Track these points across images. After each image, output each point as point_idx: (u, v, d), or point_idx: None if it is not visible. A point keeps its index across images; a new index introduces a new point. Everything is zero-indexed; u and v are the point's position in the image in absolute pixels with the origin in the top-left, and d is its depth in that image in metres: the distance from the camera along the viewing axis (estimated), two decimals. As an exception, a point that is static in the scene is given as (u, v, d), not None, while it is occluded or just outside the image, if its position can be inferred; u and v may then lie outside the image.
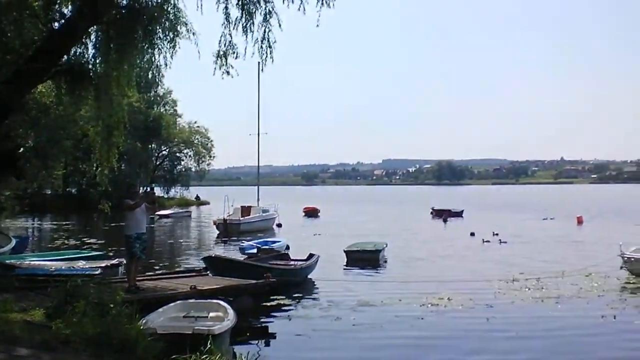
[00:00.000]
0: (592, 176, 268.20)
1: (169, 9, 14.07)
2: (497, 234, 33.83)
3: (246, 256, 23.55)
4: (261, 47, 14.03)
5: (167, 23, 14.09)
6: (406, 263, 24.67)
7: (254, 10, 13.88)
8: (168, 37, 14.27)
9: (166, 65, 14.70)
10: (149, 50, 14.11)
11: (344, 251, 25.19)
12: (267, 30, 13.94)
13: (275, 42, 14.13)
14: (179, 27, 14.33)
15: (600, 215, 53.32)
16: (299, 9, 13.70)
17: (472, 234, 34.91)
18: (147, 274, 17.89)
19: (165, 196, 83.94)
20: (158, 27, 14.01)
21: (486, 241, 31.86)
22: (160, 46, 14.24)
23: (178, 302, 12.57)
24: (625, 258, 20.32)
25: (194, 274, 17.57)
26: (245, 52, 14.17)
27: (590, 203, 78.94)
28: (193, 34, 14.71)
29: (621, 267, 20.51)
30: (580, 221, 45.53)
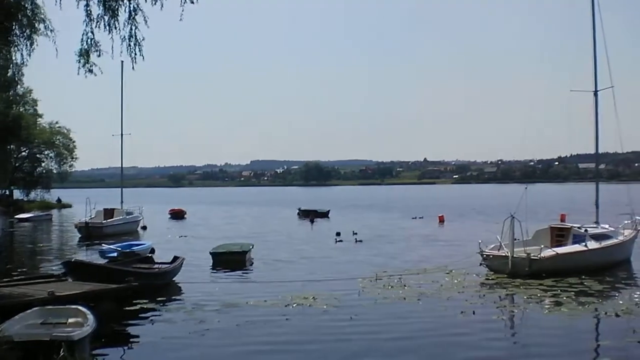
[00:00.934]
0: (454, 176, 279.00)
1: (26, 4, 13.57)
2: (355, 234, 34.84)
3: (106, 260, 22.98)
4: (129, 45, 13.83)
5: (24, 20, 13.57)
6: (272, 264, 24.88)
7: (117, 7, 13.63)
8: (25, 34, 13.76)
9: (23, 62, 14.19)
10: (5, 48, 13.53)
11: (210, 253, 25.11)
12: (133, 27, 13.76)
13: (143, 39, 13.97)
14: (37, 24, 13.85)
15: (462, 215, 55.85)
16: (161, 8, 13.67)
17: (338, 234, 35.59)
18: (4, 280, 17.15)
19: (25, 199, 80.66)
20: (15, 24, 13.47)
21: (339, 241, 32.87)
22: (17, 43, 13.71)
23: (35, 308, 12.16)
24: (484, 255, 21.50)
25: (53, 279, 16.99)
26: (113, 50, 13.91)
27: (453, 202, 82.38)
28: (51, 30, 14.27)
29: (480, 264, 21.58)
30: (441, 220, 47.70)
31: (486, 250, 21.60)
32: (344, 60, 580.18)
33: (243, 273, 22.90)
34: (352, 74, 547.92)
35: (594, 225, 24.09)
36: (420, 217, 52.71)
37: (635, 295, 17.07)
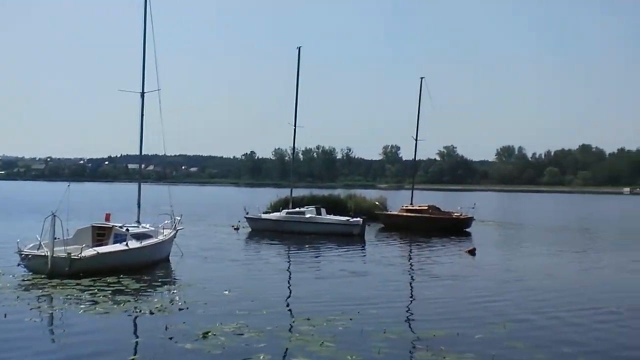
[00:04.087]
0: (1, 172, 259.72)
1: None
2: None
3: None
4: None
5: None
6: None
7: None
8: None
9: None
10: None
11: None
12: None
13: None
14: None
15: (8, 213, 51.91)
16: None
17: None
18: None
19: None
20: None
21: None
22: None
23: None
24: (23, 255, 20.22)
25: None
26: None
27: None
28: None
29: (18, 264, 20.33)
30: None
31: (25, 250, 20.41)
32: None
33: None
34: None
35: (135, 225, 24.72)
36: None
37: (171, 294, 17.91)
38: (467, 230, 42.72)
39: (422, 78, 49.19)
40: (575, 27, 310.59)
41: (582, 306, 16.98)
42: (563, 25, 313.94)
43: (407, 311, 16.46)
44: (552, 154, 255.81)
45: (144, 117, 26.23)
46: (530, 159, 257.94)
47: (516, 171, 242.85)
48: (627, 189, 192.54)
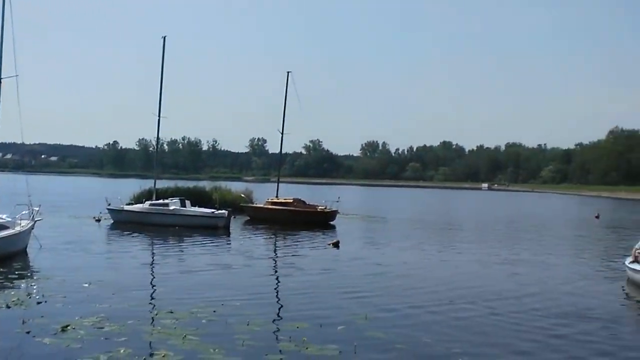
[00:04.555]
0: None
1: None
2: None
3: None
4: None
5: None
6: None
7: None
8: None
9: None
10: None
11: None
12: None
13: None
14: None
15: None
16: None
17: None
18: None
19: None
20: None
21: None
22: None
23: None
24: None
25: None
26: None
27: None
28: None
29: None
30: None
31: None
32: None
33: None
34: None
35: (-10, 215, 23.55)
36: None
37: (28, 286, 17.31)
38: (332, 223, 43.65)
39: (288, 72, 49.71)
40: (433, 24, 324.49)
41: (441, 297, 17.78)
42: (422, 23, 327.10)
43: (271, 303, 16.74)
44: (415, 150, 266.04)
45: (0, 103, 25.07)
46: (393, 155, 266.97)
47: (380, 166, 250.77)
48: (485, 185, 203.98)
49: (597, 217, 59.19)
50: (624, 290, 20.16)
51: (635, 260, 20.63)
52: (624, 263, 22.00)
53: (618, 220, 57.02)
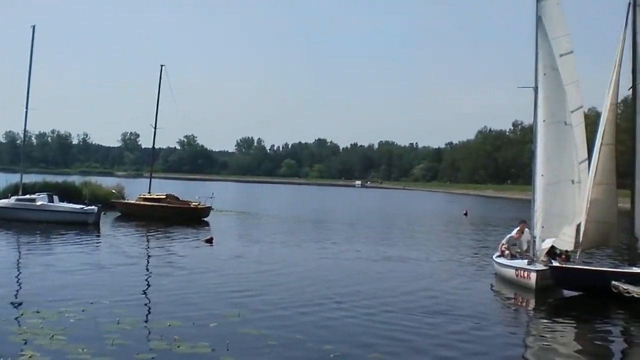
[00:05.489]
0: None
1: None
2: None
3: None
4: None
5: None
6: None
7: None
8: None
9: None
10: None
11: None
12: None
13: None
14: None
15: None
16: None
17: None
18: None
19: None
20: None
21: None
22: None
23: None
24: None
25: None
26: None
27: None
28: None
29: None
30: None
31: None
32: None
33: None
34: None
35: None
36: None
37: None
38: (206, 219, 43.44)
39: (162, 66, 48.99)
40: (352, 26, 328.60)
41: (315, 294, 17.88)
42: (317, 26, 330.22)
43: (142, 302, 16.57)
44: (290, 146, 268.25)
45: None
46: (268, 151, 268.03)
47: (255, 162, 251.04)
48: (358, 182, 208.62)
49: (465, 214, 61.60)
50: (492, 287, 20.96)
51: (502, 255, 21.85)
52: (492, 258, 23.04)
53: (485, 218, 59.82)
